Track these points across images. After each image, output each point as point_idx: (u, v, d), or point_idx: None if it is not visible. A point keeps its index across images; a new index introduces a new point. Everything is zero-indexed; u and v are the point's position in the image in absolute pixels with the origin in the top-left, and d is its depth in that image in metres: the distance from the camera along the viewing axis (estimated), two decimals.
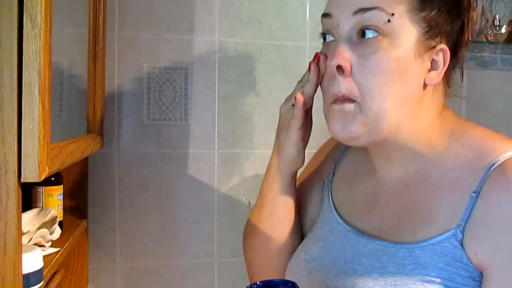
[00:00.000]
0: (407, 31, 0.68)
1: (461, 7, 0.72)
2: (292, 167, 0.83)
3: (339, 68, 0.68)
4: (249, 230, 0.89)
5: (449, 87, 0.76)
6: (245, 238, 0.91)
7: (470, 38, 0.74)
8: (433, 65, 0.71)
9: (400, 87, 0.68)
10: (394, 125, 0.70)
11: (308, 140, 0.83)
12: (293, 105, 0.78)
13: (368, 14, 0.67)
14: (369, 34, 0.67)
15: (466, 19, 0.73)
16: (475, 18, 0.75)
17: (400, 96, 0.69)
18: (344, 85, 0.69)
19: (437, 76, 0.71)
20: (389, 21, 0.66)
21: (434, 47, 0.70)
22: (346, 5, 0.69)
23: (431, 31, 0.69)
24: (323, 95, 0.75)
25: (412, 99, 0.71)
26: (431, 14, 0.69)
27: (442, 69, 0.71)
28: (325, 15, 0.73)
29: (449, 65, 0.72)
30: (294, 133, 0.79)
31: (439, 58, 0.71)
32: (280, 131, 0.83)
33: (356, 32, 0.68)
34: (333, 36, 0.72)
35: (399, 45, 0.67)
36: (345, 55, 0.68)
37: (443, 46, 0.70)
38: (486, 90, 1.64)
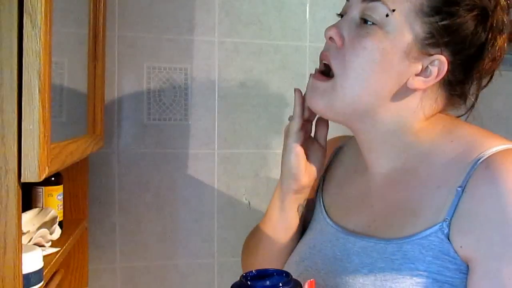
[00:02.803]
0: (404, 30, 0.68)
1: (487, 26, 0.70)
2: (293, 183, 0.79)
3: (331, 39, 0.72)
4: (254, 242, 0.89)
5: (461, 101, 0.75)
6: (249, 247, 0.91)
7: (491, 66, 0.72)
8: (424, 72, 0.70)
9: (378, 79, 0.70)
10: (364, 112, 0.72)
11: (316, 160, 0.80)
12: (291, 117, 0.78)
13: (371, 4, 0.69)
14: (368, 22, 0.70)
15: (489, 42, 0.71)
16: (502, 45, 0.72)
17: (375, 87, 0.70)
18: (333, 52, 0.72)
19: (422, 83, 0.70)
20: (387, 15, 0.68)
21: (432, 55, 0.69)
22: None
23: (432, 39, 0.69)
24: None
25: (389, 95, 0.71)
26: (440, 23, 0.68)
27: (432, 79, 0.70)
28: None
29: (455, 79, 0.72)
30: (292, 137, 0.77)
31: (434, 68, 0.70)
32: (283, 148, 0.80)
33: (359, 17, 0.71)
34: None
35: (391, 39, 0.68)
36: (340, 30, 0.71)
37: (442, 58, 0.69)
38: (486, 90, 1.63)
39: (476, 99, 0.76)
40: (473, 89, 0.75)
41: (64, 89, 0.93)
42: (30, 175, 0.59)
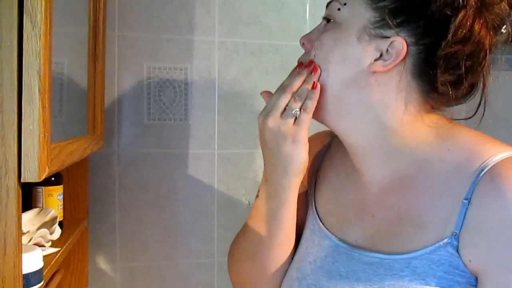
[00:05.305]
0: (355, 18, 0.71)
1: (441, 2, 0.66)
2: (300, 178, 0.76)
3: (303, 44, 0.80)
4: (243, 255, 0.87)
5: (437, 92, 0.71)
6: (237, 261, 0.89)
7: (460, 49, 0.67)
8: (382, 56, 0.69)
9: (338, 66, 0.72)
10: (336, 103, 0.73)
11: None
12: (295, 111, 0.73)
13: (330, 5, 0.75)
14: (329, 20, 0.75)
15: (448, 19, 0.66)
16: (466, 22, 0.67)
17: (337, 75, 0.72)
18: (304, 57, 0.79)
19: (381, 67, 0.69)
20: (339, 9, 0.73)
21: (387, 37, 0.68)
22: None
23: (383, 21, 0.68)
24: None
25: (353, 83, 0.71)
26: (390, 6, 0.68)
27: (391, 62, 0.69)
28: None
29: (421, 65, 0.69)
30: (304, 130, 0.73)
31: (392, 50, 0.68)
32: (274, 147, 0.74)
33: (324, 19, 0.78)
34: None
35: (343, 29, 0.72)
36: (311, 36, 0.78)
37: (398, 39, 0.68)
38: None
39: (464, 96, 0.74)
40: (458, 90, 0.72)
41: (64, 89, 0.93)
42: (30, 175, 0.59)
